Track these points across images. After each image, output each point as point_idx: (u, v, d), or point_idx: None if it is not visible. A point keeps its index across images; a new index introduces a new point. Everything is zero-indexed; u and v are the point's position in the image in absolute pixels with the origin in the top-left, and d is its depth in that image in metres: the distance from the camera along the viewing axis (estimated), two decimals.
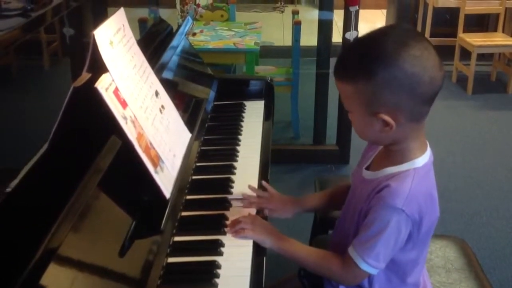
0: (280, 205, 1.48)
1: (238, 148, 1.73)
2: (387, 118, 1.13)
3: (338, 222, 1.42)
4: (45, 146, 1.15)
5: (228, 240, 1.29)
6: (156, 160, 1.27)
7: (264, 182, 1.52)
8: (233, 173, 1.58)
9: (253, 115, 1.97)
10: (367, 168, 1.30)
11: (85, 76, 1.17)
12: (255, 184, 1.52)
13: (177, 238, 1.29)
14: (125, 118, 1.19)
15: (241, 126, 1.87)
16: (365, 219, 1.21)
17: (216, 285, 1.16)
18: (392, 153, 1.22)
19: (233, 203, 1.44)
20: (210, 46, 3.29)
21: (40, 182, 1.07)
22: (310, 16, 4.42)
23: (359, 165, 1.36)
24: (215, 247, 1.26)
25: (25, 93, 1.33)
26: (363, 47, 1.16)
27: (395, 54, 1.10)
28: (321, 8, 3.18)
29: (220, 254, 1.25)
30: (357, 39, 1.25)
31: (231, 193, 1.48)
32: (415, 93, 1.12)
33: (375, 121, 1.15)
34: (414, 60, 1.10)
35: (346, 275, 1.25)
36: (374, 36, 1.17)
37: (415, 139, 1.20)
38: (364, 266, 1.20)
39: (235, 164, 1.63)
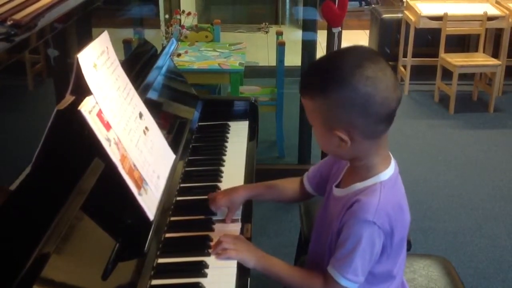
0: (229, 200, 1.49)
1: (222, 168, 1.73)
2: (341, 134, 1.19)
3: (312, 239, 1.45)
4: (28, 168, 1.15)
5: (212, 261, 1.29)
6: (140, 182, 1.27)
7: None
8: None
9: (238, 135, 1.98)
10: (337, 186, 1.35)
11: (69, 98, 1.18)
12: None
13: (161, 260, 1.29)
14: (108, 140, 1.20)
15: (226, 147, 1.88)
16: (339, 236, 1.25)
17: None
18: (357, 169, 1.28)
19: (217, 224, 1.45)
20: (195, 67, 3.30)
21: (23, 204, 1.06)
22: (294, 37, 4.46)
23: (329, 184, 1.40)
24: (199, 269, 1.26)
25: (8, 114, 1.32)
26: (322, 67, 1.23)
27: (349, 75, 1.15)
28: (304, 29, 3.21)
29: (204, 275, 1.25)
30: (319, 59, 1.30)
31: (215, 214, 1.48)
32: (368, 112, 1.17)
33: (332, 137, 1.21)
34: (367, 81, 1.15)
35: None
36: (333, 57, 1.27)
37: (377, 154, 1.25)
38: (344, 282, 1.23)
39: (219, 184, 1.63)
